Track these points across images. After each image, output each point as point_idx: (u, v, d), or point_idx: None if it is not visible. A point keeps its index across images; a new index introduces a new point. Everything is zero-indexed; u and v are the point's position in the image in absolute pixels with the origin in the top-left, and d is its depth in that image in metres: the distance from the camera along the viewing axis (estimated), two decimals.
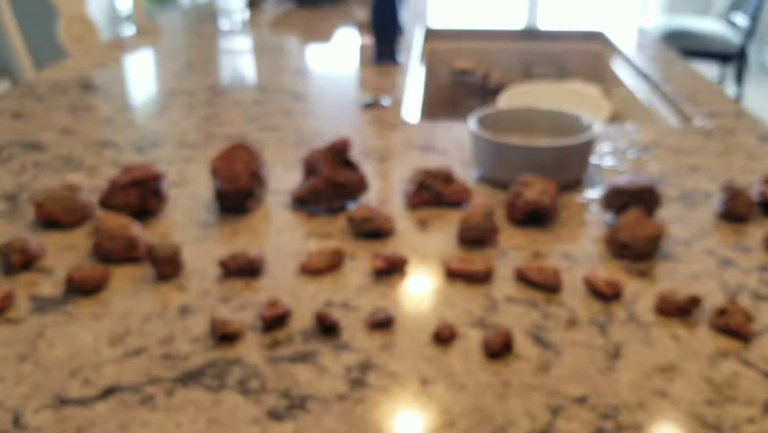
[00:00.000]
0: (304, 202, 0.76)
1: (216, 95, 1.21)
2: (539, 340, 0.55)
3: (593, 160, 0.90)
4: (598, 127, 0.83)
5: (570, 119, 0.89)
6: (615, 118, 1.37)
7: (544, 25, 1.78)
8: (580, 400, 0.49)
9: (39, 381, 0.51)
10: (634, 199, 0.72)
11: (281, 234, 0.72)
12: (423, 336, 0.56)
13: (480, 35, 1.76)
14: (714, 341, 0.55)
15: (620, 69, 1.49)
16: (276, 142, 0.97)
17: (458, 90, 1.67)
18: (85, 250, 0.69)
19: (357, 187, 0.76)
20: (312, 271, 0.64)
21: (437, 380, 0.51)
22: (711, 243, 0.70)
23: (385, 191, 0.81)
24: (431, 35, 1.77)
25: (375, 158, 0.91)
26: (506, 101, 1.39)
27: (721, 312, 0.56)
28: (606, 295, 0.60)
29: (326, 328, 0.56)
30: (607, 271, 0.65)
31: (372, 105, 1.13)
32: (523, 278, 0.63)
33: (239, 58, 1.49)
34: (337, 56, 1.49)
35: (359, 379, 0.51)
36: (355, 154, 0.92)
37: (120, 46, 1.60)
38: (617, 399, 0.49)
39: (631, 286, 0.62)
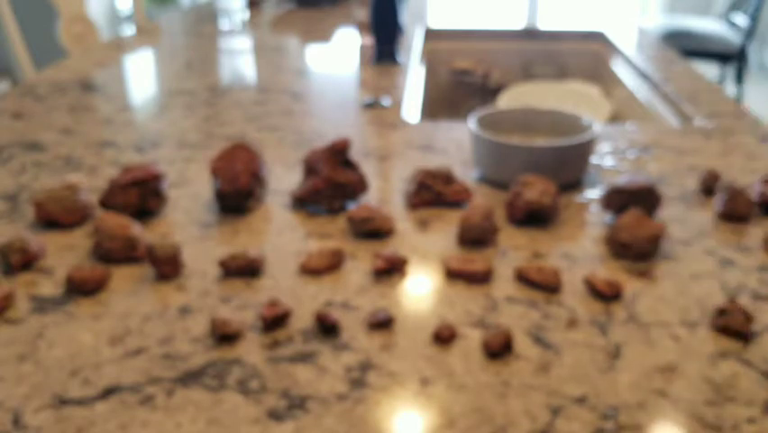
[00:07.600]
0: (304, 202, 0.76)
1: (216, 95, 1.21)
2: (539, 340, 0.55)
3: (593, 160, 0.90)
4: (598, 127, 0.83)
5: (570, 119, 0.89)
6: (615, 118, 1.37)
7: (544, 25, 1.78)
8: (580, 400, 0.49)
9: (39, 381, 0.51)
10: (634, 199, 0.72)
11: (281, 234, 0.72)
12: (423, 336, 0.56)
13: (480, 35, 1.76)
14: (714, 341, 0.55)
15: (620, 69, 1.49)
16: (276, 142, 0.97)
17: (458, 90, 1.67)
18: (85, 250, 0.69)
19: (357, 187, 0.76)
20: (312, 271, 0.64)
21: (437, 380, 0.51)
22: (711, 243, 0.70)
23: (385, 191, 0.81)
24: (431, 35, 1.77)
25: (375, 158, 0.91)
26: (506, 101, 1.39)
27: (721, 312, 0.56)
28: (606, 295, 0.60)
29: (326, 328, 0.56)
30: (607, 271, 0.65)
31: (372, 106, 1.13)
32: (523, 278, 0.63)
33: (239, 58, 1.49)
34: (337, 56, 1.49)
35: (359, 379, 0.51)
36: (355, 154, 0.92)
37: (120, 46, 1.60)
38: (617, 399, 0.49)
39: (631, 286, 0.62)
